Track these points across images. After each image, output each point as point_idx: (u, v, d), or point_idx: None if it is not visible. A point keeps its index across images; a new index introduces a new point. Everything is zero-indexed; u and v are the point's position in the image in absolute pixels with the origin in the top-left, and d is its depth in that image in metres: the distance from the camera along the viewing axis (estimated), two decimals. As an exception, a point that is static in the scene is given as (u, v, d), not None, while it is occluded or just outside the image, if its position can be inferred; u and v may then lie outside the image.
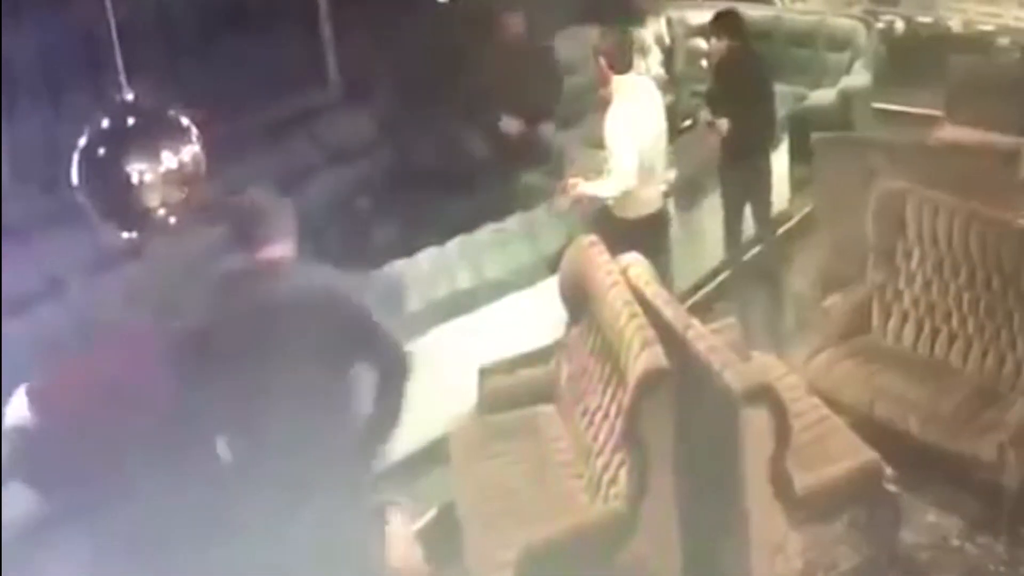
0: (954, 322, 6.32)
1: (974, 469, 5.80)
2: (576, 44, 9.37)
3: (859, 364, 6.35)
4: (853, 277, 6.74)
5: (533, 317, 6.72)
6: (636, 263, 5.78)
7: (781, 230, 8.72)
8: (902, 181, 6.55)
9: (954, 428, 5.85)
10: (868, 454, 5.50)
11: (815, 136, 7.79)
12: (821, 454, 5.49)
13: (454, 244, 7.13)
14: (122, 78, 3.98)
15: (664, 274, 6.34)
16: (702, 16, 9.08)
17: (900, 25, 11.35)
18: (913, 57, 10.68)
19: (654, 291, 5.56)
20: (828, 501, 5.35)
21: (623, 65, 6.81)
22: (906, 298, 6.50)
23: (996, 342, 6.15)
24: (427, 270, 6.82)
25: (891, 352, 6.45)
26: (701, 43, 9.74)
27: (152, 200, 3.89)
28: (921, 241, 6.43)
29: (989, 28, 10.92)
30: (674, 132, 8.37)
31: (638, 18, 9.66)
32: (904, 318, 6.51)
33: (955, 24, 11.12)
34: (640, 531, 4.89)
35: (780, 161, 9.03)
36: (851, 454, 5.53)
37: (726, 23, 7.78)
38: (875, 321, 6.59)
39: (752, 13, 10.86)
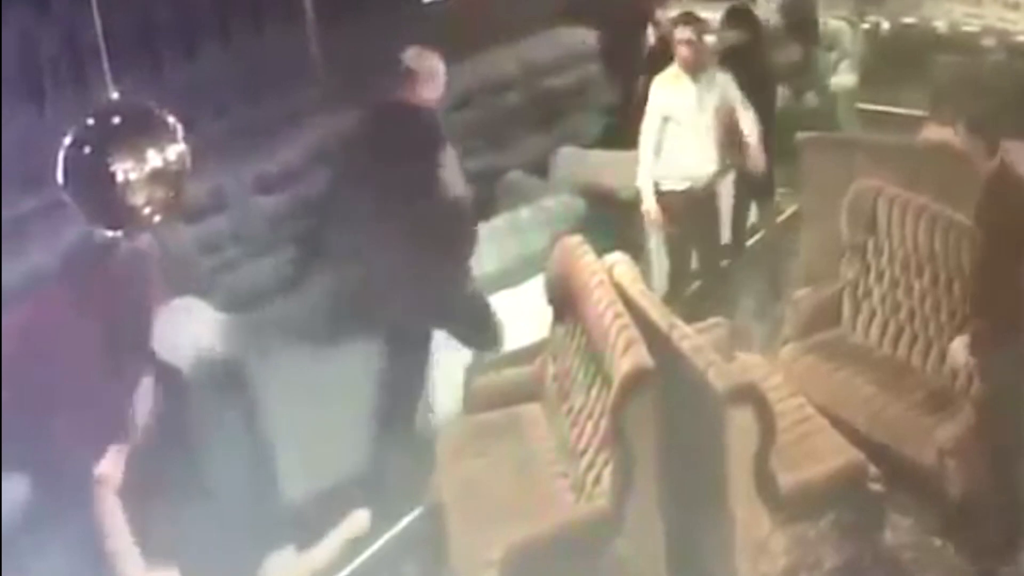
0: (917, 323, 6.33)
1: (916, 473, 5.78)
2: (559, 45, 9.39)
3: (820, 359, 6.38)
4: (832, 275, 6.77)
5: (519, 316, 6.73)
6: (621, 262, 5.79)
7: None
8: (876, 179, 6.57)
9: (900, 430, 5.85)
10: (852, 453, 5.51)
11: (800, 136, 7.80)
12: (805, 453, 5.51)
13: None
14: (108, 76, 3.98)
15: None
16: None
17: (886, 26, 11.37)
18: (898, 58, 10.70)
19: (639, 290, 5.58)
20: (812, 500, 5.35)
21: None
22: (875, 295, 6.53)
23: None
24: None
25: (855, 349, 6.48)
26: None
27: (138, 198, 3.88)
28: (890, 239, 6.45)
29: (974, 29, 10.96)
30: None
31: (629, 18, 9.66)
32: (872, 315, 6.53)
33: (940, 25, 11.15)
34: (624, 530, 4.90)
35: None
36: (835, 453, 5.55)
37: (739, 15, 8.14)
38: (845, 316, 6.62)
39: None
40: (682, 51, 7.20)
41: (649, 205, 7.32)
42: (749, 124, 7.33)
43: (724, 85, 7.30)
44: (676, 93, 7.26)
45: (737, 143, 7.40)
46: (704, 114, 7.24)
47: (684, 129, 7.25)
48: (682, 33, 7.19)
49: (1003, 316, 5.38)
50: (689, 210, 7.35)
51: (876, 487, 5.44)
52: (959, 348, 5.60)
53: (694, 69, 7.21)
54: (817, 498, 5.39)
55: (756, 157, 7.39)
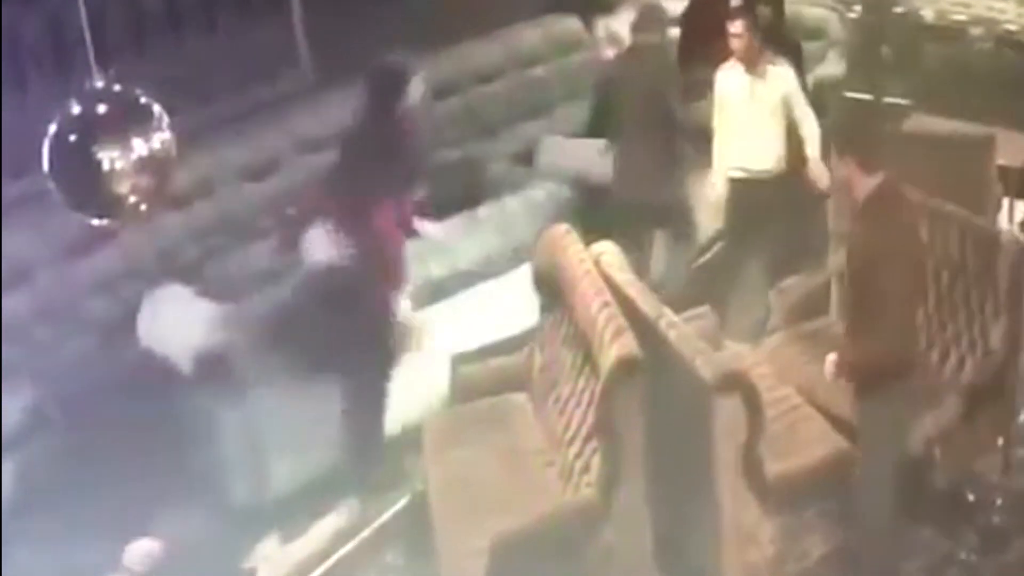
0: (905, 312, 6.30)
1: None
2: (544, 34, 9.35)
3: (808, 348, 6.34)
4: (820, 264, 6.78)
5: (505, 305, 6.72)
6: (608, 251, 5.78)
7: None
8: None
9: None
10: (839, 443, 5.51)
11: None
12: (793, 443, 5.51)
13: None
14: (92, 64, 3.95)
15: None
16: (677, 5, 9.14)
17: (873, 15, 11.34)
18: (886, 47, 10.69)
19: (626, 280, 5.57)
20: (799, 490, 5.36)
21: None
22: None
23: (942, 335, 6.12)
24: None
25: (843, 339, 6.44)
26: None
27: (123, 187, 3.86)
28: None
29: (962, 18, 10.94)
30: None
31: (610, 8, 9.63)
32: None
33: (928, 14, 11.13)
34: (612, 519, 4.90)
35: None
36: (822, 443, 5.55)
37: None
38: (833, 306, 6.61)
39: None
40: (732, 44, 7.30)
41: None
42: (807, 129, 7.34)
43: (781, 81, 7.34)
44: (729, 83, 7.41)
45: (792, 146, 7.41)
46: (756, 106, 7.31)
47: (732, 120, 7.39)
48: (731, 27, 7.28)
49: (881, 351, 5.13)
50: (742, 199, 7.49)
51: (863, 476, 5.44)
52: (828, 364, 5.33)
53: (745, 61, 7.30)
54: (804, 487, 5.40)
55: (815, 168, 7.30)
